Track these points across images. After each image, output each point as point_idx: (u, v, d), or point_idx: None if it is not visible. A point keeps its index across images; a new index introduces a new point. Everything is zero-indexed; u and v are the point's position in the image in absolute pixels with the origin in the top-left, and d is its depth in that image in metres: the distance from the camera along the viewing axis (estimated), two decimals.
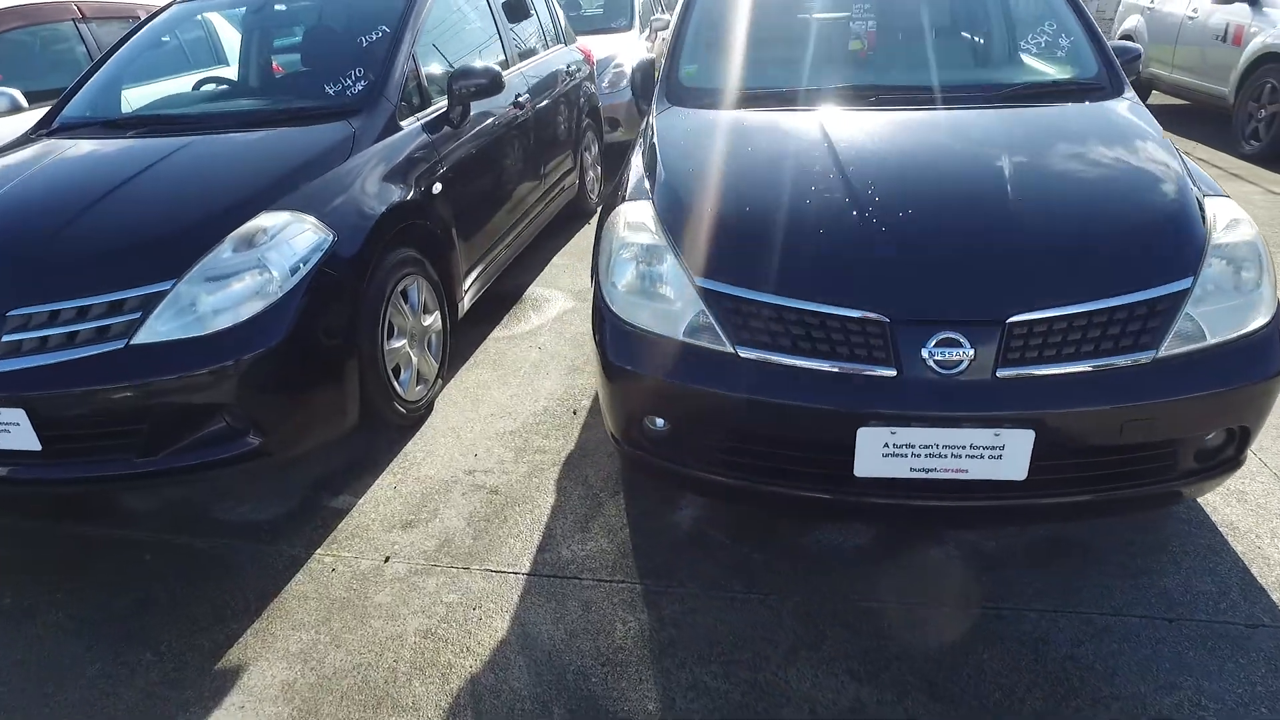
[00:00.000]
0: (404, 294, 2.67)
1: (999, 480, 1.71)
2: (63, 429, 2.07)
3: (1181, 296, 1.67)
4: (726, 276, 1.82)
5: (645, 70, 2.80)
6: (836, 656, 1.79)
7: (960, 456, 1.70)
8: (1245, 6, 5.55)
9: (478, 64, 3.14)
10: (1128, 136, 2.09)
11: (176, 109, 3.08)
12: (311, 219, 2.28)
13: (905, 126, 2.19)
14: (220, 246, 2.14)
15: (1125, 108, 2.26)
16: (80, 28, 4.08)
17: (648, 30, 6.93)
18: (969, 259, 1.75)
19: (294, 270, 2.19)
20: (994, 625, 1.84)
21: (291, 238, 2.22)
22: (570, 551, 2.15)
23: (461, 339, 3.37)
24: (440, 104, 3.09)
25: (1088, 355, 1.66)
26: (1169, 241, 1.75)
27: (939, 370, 1.67)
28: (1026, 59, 2.62)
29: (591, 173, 5.07)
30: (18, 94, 3.51)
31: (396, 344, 2.62)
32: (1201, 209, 1.84)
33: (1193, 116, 6.99)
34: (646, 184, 2.16)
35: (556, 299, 3.84)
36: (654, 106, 2.58)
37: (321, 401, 2.30)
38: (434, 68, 3.16)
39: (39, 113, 3.63)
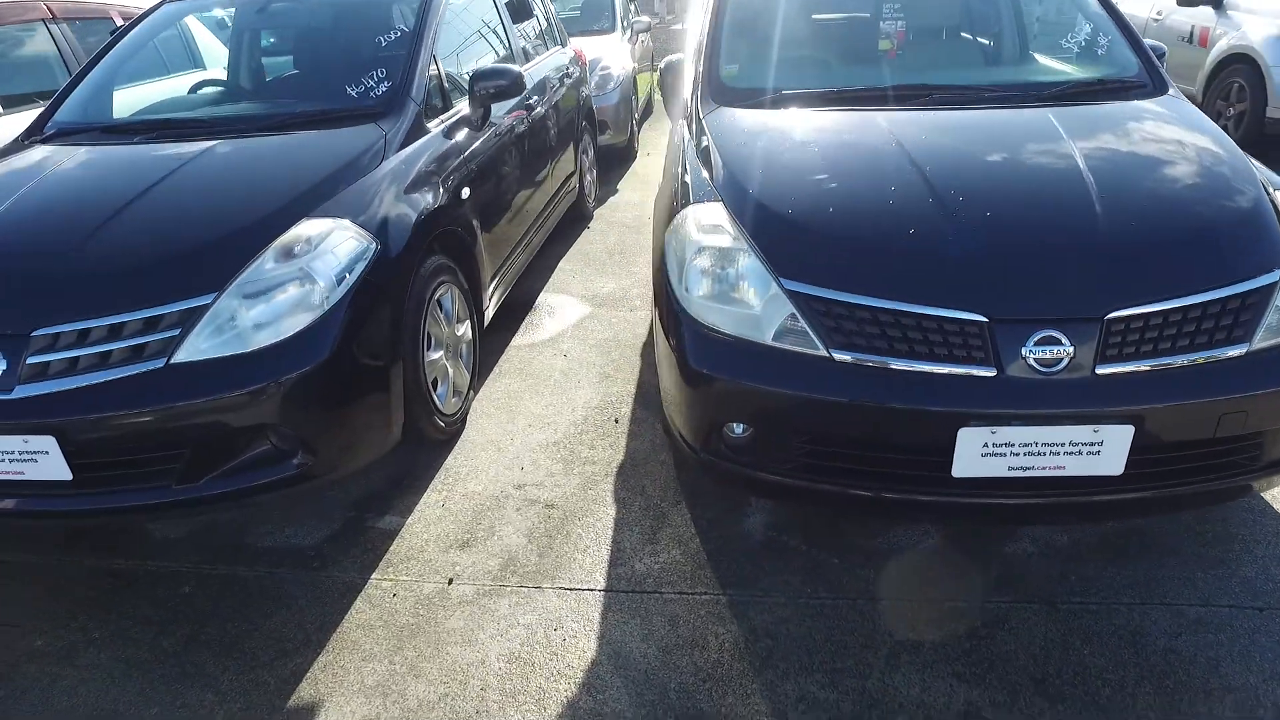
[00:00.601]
0: (439, 303, 2.56)
1: (1095, 476, 1.71)
2: (96, 456, 1.92)
3: (1271, 290, 1.70)
4: (816, 278, 1.78)
5: (675, 71, 2.75)
6: (938, 659, 1.76)
7: (1059, 454, 1.69)
8: (1209, 10, 5.78)
9: (498, 64, 3.04)
10: (1189, 132, 2.12)
11: (184, 112, 2.90)
12: (354, 226, 2.17)
13: (967, 125, 2.19)
14: (262, 256, 2.02)
15: (1176, 105, 2.30)
16: (51, 28, 3.83)
17: (629, 32, 6.88)
18: (1064, 257, 1.74)
19: (339, 280, 2.08)
20: (1086, 621, 1.84)
21: (335, 246, 2.11)
22: (644, 565, 2.09)
23: (483, 349, 3.27)
24: (459, 106, 2.98)
25: (1183, 350, 1.67)
26: (1253, 235, 1.78)
27: (1039, 369, 1.66)
28: (1067, 58, 2.66)
29: (589, 176, 4.99)
30: None
31: (434, 355, 2.51)
32: (1273, 202, 1.88)
33: None
34: (710, 185, 2.11)
35: (570, 305, 3.76)
36: (697, 107, 2.53)
37: (369, 418, 2.18)
38: (451, 68, 3.06)
39: (13, 117, 3.41)
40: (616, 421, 2.75)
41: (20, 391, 1.85)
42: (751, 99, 2.46)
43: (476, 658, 1.83)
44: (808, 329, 1.76)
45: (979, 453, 1.70)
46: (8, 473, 1.91)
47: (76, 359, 1.88)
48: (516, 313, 3.67)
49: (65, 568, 2.19)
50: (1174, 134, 2.13)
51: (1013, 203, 1.86)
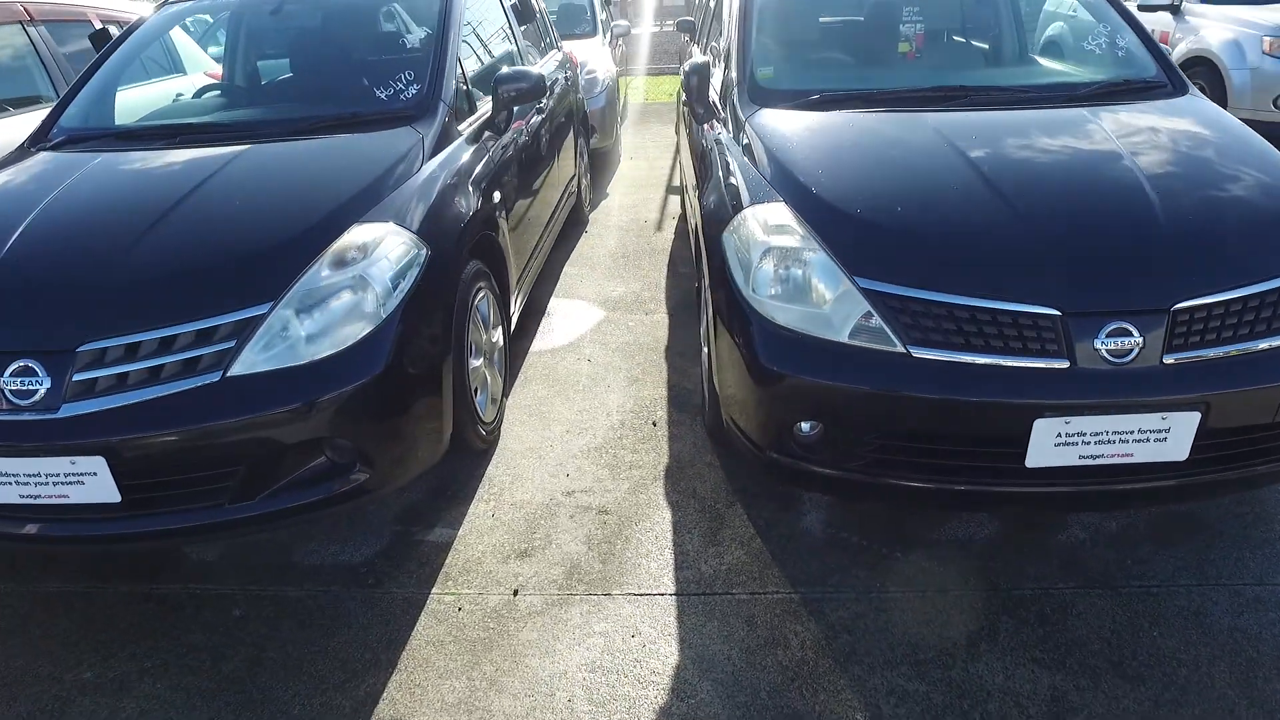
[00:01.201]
0: (477, 308, 2.52)
1: (1162, 462, 1.77)
2: (147, 476, 1.84)
3: None
4: (891, 276, 1.81)
5: (702, 73, 2.76)
6: (1016, 646, 1.80)
7: (1127, 441, 1.75)
8: (1168, 15, 6.05)
9: (519, 68, 3.01)
10: (1222, 129, 2.22)
11: (201, 116, 2.79)
12: (405, 232, 2.12)
13: (1011, 125, 2.25)
14: (317, 263, 1.96)
15: (1202, 104, 2.40)
16: (29, 30, 3.66)
17: (609, 35, 6.88)
18: (1129, 250, 1.80)
19: (394, 287, 2.03)
20: (1149, 604, 1.90)
21: (389, 252, 2.05)
22: (709, 567, 2.08)
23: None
24: (483, 109, 2.94)
25: (1245, 337, 1.74)
26: None
27: (1111, 360, 1.72)
28: (1090, 61, 2.75)
29: (585, 180, 4.97)
30: None
31: (475, 363, 2.47)
32: None
33: None
34: (766, 185, 2.12)
35: (583, 309, 3.74)
36: (735, 109, 2.54)
37: (423, 429, 2.13)
38: (471, 70, 3.01)
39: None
40: (654, 425, 2.74)
41: (66, 410, 1.76)
42: (792, 100, 2.48)
43: (558, 669, 1.80)
44: (884, 326, 1.78)
45: (1052, 443, 1.74)
46: (52, 496, 1.81)
47: (126, 374, 1.80)
48: (531, 318, 3.63)
49: (99, 594, 2.08)
50: (1208, 130, 2.22)
51: (1073, 199, 1.92)
